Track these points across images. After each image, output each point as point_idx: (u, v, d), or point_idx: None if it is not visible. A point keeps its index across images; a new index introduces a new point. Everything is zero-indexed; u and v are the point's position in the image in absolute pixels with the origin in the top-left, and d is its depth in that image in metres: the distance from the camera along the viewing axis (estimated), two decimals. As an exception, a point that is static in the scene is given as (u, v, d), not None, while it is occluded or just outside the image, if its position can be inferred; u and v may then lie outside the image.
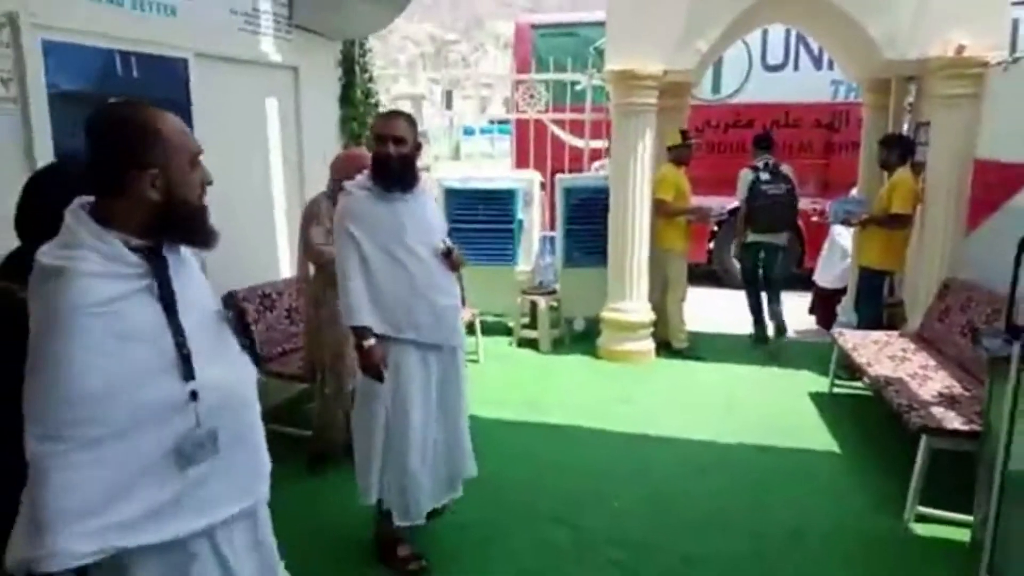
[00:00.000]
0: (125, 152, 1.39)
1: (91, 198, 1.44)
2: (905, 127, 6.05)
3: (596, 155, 7.70)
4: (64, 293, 1.30)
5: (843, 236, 6.39)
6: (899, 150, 5.03)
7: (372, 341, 2.73)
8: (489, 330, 6.31)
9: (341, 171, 3.58)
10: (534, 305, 6.14)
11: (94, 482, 1.30)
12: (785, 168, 6.02)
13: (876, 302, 5.16)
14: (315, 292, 3.72)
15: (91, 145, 1.41)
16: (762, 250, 6.08)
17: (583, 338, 6.26)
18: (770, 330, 6.20)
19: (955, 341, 4.15)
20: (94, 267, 1.33)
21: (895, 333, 4.80)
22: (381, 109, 5.59)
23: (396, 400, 2.80)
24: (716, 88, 9.29)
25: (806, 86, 8.93)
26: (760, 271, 6.15)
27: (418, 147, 2.84)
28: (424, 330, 2.80)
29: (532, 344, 6.08)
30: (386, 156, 2.73)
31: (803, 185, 8.55)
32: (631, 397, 4.96)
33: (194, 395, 1.41)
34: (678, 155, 5.81)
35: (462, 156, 18.23)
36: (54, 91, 3.25)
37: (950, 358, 4.11)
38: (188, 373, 1.41)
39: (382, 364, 2.74)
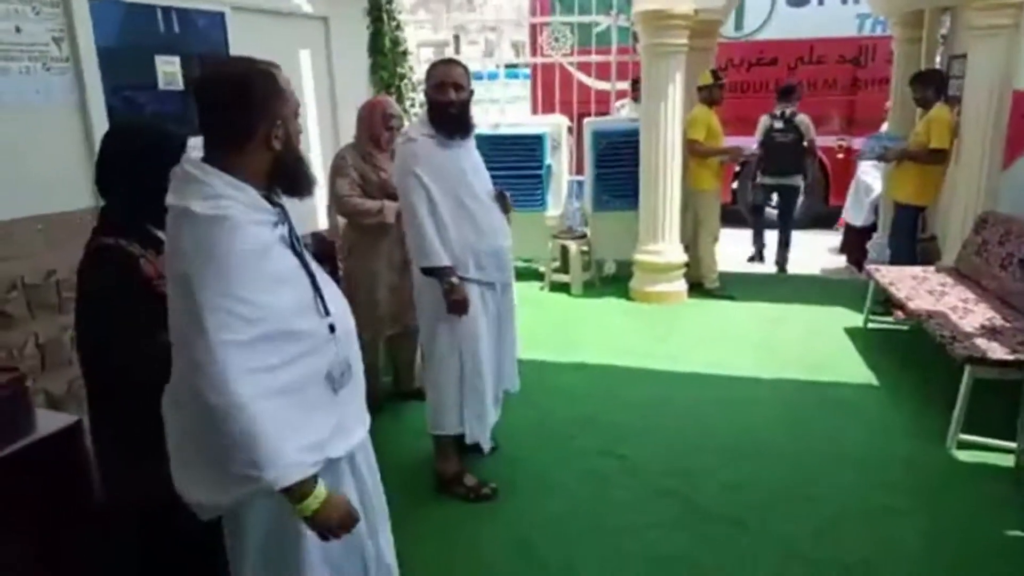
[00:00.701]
0: (258, 103, 1.46)
1: (194, 154, 1.51)
2: (937, 60, 5.97)
3: (620, 97, 7.64)
4: (230, 240, 1.38)
5: (868, 173, 6.40)
6: (936, 85, 5.00)
7: (456, 279, 2.80)
8: (520, 275, 6.35)
9: (366, 119, 3.61)
10: (564, 249, 6.20)
11: (284, 409, 1.43)
12: (800, 118, 6.49)
13: (911, 237, 5.19)
14: (345, 243, 3.75)
15: (218, 98, 1.46)
16: (775, 191, 6.79)
17: (613, 281, 6.34)
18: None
19: (994, 274, 4.19)
20: (250, 215, 1.42)
21: (931, 268, 4.83)
22: (409, 57, 5.57)
23: (465, 337, 2.91)
24: (739, 25, 9.13)
25: (831, 21, 8.76)
26: (775, 210, 6.91)
27: (471, 93, 2.88)
28: (487, 270, 2.90)
29: (563, 288, 6.16)
30: (448, 103, 2.77)
31: (827, 123, 8.51)
32: (666, 336, 5.05)
33: (332, 328, 1.55)
34: (710, 95, 5.78)
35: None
36: (102, 48, 3.30)
37: (989, 291, 4.16)
38: (325, 309, 1.54)
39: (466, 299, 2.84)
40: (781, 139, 6.46)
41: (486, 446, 3.09)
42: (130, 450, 1.61)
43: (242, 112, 1.46)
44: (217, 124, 1.48)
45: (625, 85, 7.31)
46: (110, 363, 1.57)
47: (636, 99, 7.00)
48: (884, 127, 6.41)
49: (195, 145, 1.58)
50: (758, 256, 7.26)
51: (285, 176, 1.54)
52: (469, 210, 2.83)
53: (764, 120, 6.63)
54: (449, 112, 2.78)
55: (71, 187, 3.14)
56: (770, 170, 6.62)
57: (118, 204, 1.84)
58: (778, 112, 6.51)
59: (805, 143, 6.49)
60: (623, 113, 7.32)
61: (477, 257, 2.86)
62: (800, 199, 6.95)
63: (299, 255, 1.54)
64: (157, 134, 1.88)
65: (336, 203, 3.66)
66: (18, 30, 2.93)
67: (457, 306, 2.83)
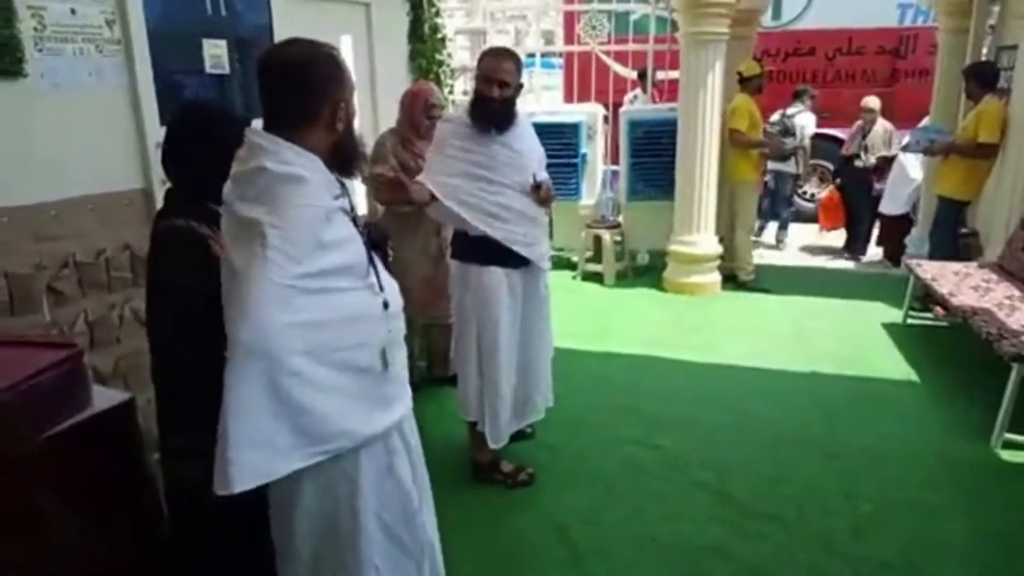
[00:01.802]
0: (324, 85, 1.48)
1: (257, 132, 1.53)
2: (984, 51, 5.83)
3: (659, 87, 7.59)
4: (307, 197, 1.43)
5: (911, 162, 6.32)
6: (984, 78, 4.90)
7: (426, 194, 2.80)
8: (553, 264, 6.36)
9: (408, 106, 3.63)
10: (598, 239, 6.18)
11: (347, 383, 1.49)
12: (799, 119, 7.09)
13: (953, 232, 5.09)
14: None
15: (286, 79, 1.49)
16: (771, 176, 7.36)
17: (646, 271, 6.31)
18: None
19: (1040, 271, 4.11)
20: (319, 178, 1.45)
21: (973, 264, 4.75)
22: (448, 44, 5.57)
23: (484, 322, 2.91)
24: (776, 14, 8.95)
25: (871, 10, 8.55)
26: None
27: (520, 87, 2.87)
28: (509, 235, 2.82)
29: (596, 278, 6.15)
30: (488, 99, 2.77)
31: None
32: (700, 327, 5.02)
33: (386, 305, 1.60)
34: (754, 85, 5.72)
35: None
36: (151, 31, 3.33)
37: (1036, 288, 4.08)
38: (380, 286, 1.59)
39: (419, 197, 2.81)
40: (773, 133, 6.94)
41: (496, 444, 3.01)
42: (198, 429, 1.65)
43: (308, 95, 1.48)
44: (282, 105, 1.50)
45: (663, 75, 7.25)
46: (185, 343, 1.59)
47: (644, 90, 7.33)
48: (926, 120, 6.28)
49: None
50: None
51: (343, 157, 1.56)
52: (490, 192, 2.80)
53: (774, 116, 7.15)
54: (491, 108, 2.78)
55: (121, 168, 3.19)
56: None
57: (187, 185, 1.87)
58: (789, 111, 7.11)
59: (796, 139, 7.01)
60: (638, 103, 7.31)
61: (492, 216, 2.80)
62: (790, 185, 7.55)
63: (357, 228, 1.57)
64: (225, 116, 1.91)
65: (373, 187, 3.69)
66: (73, 12, 2.97)
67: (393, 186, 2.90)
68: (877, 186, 6.84)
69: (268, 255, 1.36)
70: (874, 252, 6.96)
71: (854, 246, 7.09)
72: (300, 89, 1.48)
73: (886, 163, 6.74)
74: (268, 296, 1.36)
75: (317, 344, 1.45)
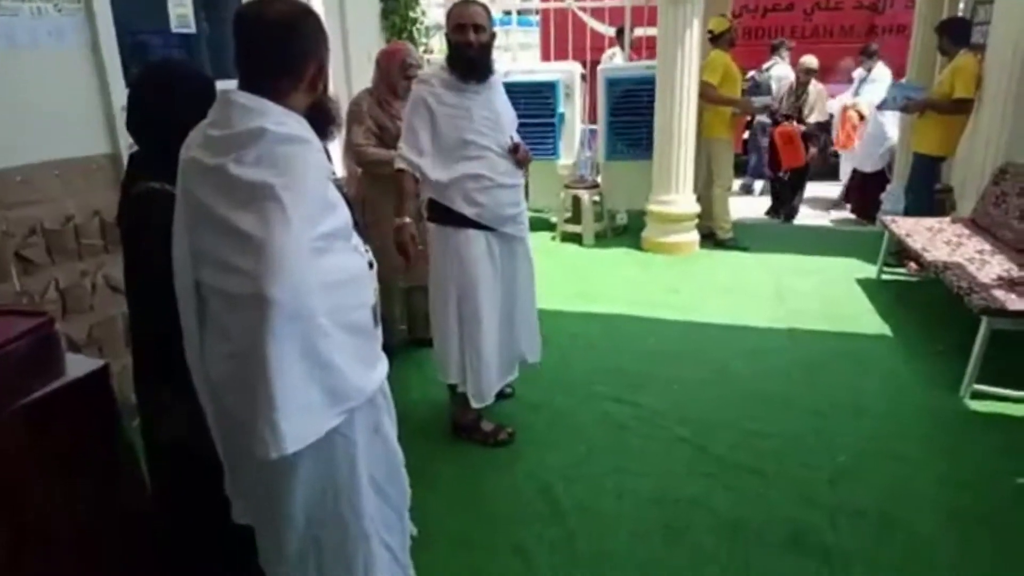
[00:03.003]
0: (310, 43, 1.45)
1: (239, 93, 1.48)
2: (961, 6, 5.83)
3: (637, 45, 7.50)
4: (311, 157, 1.42)
5: (887, 118, 6.33)
6: (958, 34, 4.89)
7: (407, 220, 2.82)
8: (532, 225, 6.32)
9: (384, 66, 3.56)
10: (576, 199, 6.16)
11: (352, 342, 1.53)
12: (774, 72, 7.39)
13: (929, 188, 5.14)
14: (360, 193, 3.69)
15: (272, 37, 1.44)
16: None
17: (625, 231, 6.32)
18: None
19: (1012, 226, 4.16)
20: (315, 138, 1.44)
21: (946, 219, 4.80)
22: (421, 1, 5.45)
23: (464, 285, 2.89)
24: (755, -31, 8.89)
25: (850, -35, 8.54)
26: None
27: (493, 35, 2.82)
28: (486, 212, 2.82)
29: (575, 238, 6.14)
30: (467, 44, 2.71)
31: (843, 72, 8.35)
32: (679, 287, 5.05)
33: (371, 265, 1.63)
34: (726, 40, 5.67)
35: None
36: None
37: (1007, 243, 4.13)
38: (364, 246, 1.60)
39: (411, 243, 2.84)
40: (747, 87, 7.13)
41: (481, 403, 3.02)
42: (178, 391, 1.63)
43: (295, 54, 1.45)
44: (266, 65, 1.45)
45: (641, 32, 7.17)
46: (162, 305, 1.57)
47: (622, 47, 7.25)
48: (904, 80, 6.29)
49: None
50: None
51: (321, 119, 1.53)
52: (470, 155, 2.78)
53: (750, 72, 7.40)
54: (468, 55, 2.73)
55: (86, 132, 3.11)
56: None
57: (154, 147, 1.81)
58: (765, 65, 7.43)
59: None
60: (616, 61, 7.23)
61: (467, 195, 2.79)
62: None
63: (340, 190, 1.56)
64: (193, 75, 1.85)
65: (351, 152, 3.63)
66: (29, -31, 2.86)
67: (401, 248, 2.84)
68: (812, 150, 6.68)
69: (290, 216, 1.34)
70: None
71: (783, 208, 6.99)
72: (286, 48, 1.44)
73: (821, 131, 6.65)
74: (300, 257, 1.35)
75: (334, 305, 1.46)
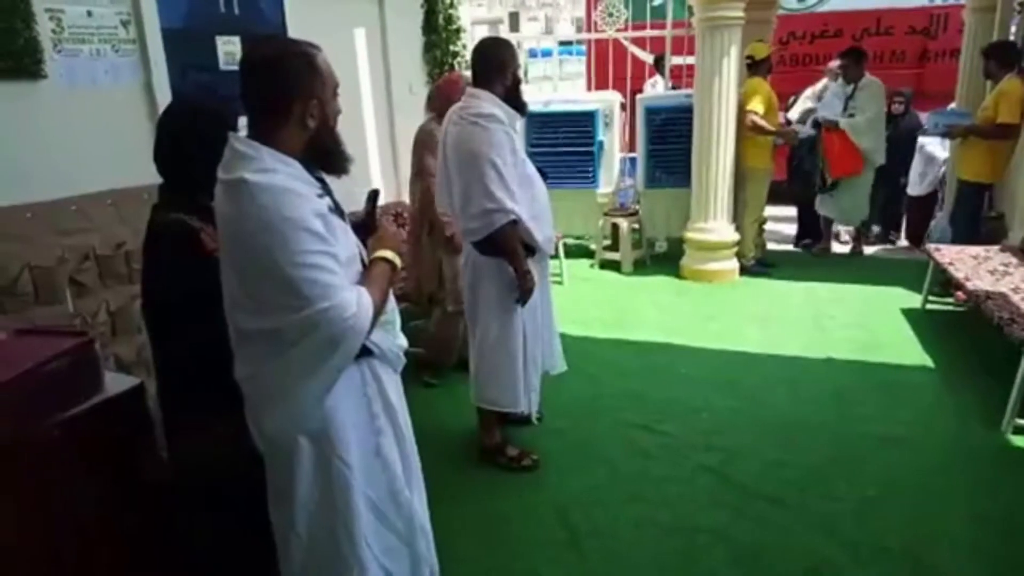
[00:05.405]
0: (293, 82, 1.54)
1: (240, 133, 1.60)
2: (1013, 29, 5.69)
3: (677, 73, 7.53)
4: (295, 207, 1.49)
5: (932, 143, 6.20)
6: (1004, 57, 4.79)
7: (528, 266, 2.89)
8: (571, 253, 6.42)
9: (446, 93, 3.64)
10: (615, 227, 6.19)
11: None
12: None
13: (974, 217, 5.00)
14: (431, 217, 3.72)
15: (257, 76, 1.55)
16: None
17: (664, 259, 6.31)
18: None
19: (1061, 254, 4.03)
20: (302, 186, 1.51)
21: (994, 248, 4.66)
22: (463, 35, 5.60)
23: (528, 315, 3.01)
24: (801, -4, 8.84)
25: (900, -11, 8.40)
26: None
27: None
28: (545, 239, 2.99)
29: (614, 266, 6.16)
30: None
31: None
32: (716, 315, 5.02)
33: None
34: (766, 67, 5.66)
35: (528, 79, 18.03)
36: (166, 30, 3.44)
37: (1054, 272, 4.00)
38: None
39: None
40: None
41: (534, 409, 3.17)
42: (195, 414, 1.73)
43: (276, 91, 1.54)
44: (255, 102, 1.56)
45: (680, 61, 7.21)
46: (176, 331, 1.67)
47: (662, 74, 7.29)
48: (952, 105, 6.15)
49: (244, 125, 1.67)
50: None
51: (320, 154, 1.62)
52: (531, 187, 2.92)
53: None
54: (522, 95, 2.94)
55: (137, 164, 3.27)
56: None
57: (179, 180, 1.93)
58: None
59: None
60: (658, 89, 7.25)
61: (539, 226, 2.93)
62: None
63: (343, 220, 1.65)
64: (214, 111, 1.95)
65: (424, 177, 3.67)
66: (89, 14, 3.09)
67: (530, 293, 2.89)
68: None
69: (303, 271, 1.50)
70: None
71: (806, 236, 6.68)
72: (269, 87, 1.54)
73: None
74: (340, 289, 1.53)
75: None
